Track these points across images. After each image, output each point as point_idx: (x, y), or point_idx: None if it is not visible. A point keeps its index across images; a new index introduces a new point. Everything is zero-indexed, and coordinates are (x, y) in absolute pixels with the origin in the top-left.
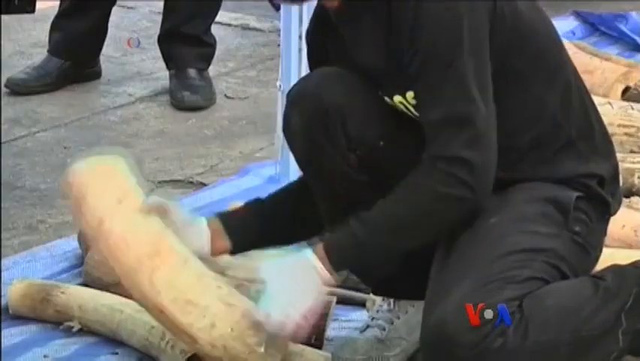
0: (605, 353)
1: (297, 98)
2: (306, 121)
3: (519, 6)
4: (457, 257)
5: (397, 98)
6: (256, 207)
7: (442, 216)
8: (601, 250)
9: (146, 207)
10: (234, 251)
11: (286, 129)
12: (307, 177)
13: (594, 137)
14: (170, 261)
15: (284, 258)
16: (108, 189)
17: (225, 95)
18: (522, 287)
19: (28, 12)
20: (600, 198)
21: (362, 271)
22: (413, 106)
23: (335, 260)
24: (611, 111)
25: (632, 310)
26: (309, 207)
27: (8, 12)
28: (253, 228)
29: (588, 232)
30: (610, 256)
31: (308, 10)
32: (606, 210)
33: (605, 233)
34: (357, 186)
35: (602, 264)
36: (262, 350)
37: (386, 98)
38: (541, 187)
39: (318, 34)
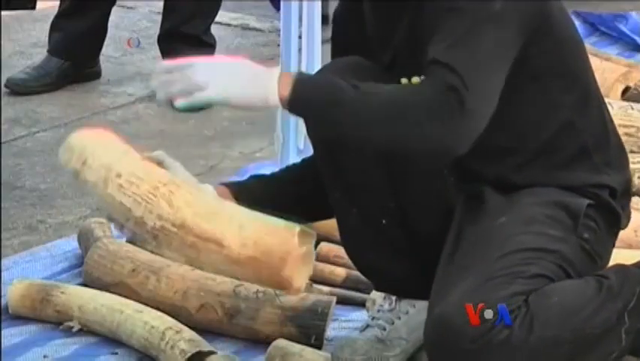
0: (606, 352)
1: None
2: None
3: (551, 6)
4: (463, 254)
5: (404, 82)
6: (265, 181)
7: (408, 121)
8: (607, 261)
9: (149, 158)
10: None
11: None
12: (320, 159)
13: (609, 148)
14: (186, 186)
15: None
16: (110, 146)
17: None
18: (529, 283)
19: (28, 8)
20: (610, 209)
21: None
22: None
23: (299, 85)
24: (611, 111)
25: (635, 310)
26: (313, 191)
27: (9, 7)
28: (260, 198)
29: (596, 240)
30: (611, 257)
31: (308, 10)
32: (616, 222)
33: (613, 245)
34: (372, 178)
35: None
36: (298, 228)
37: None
38: (552, 192)
39: (345, 12)
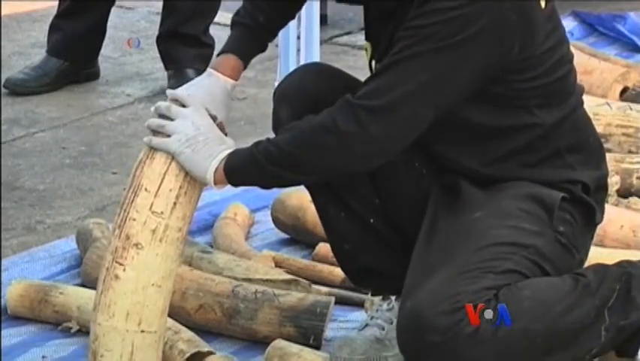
0: (585, 348)
1: (284, 93)
2: (296, 113)
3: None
4: (437, 249)
5: (366, 44)
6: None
7: (320, 146)
8: (587, 254)
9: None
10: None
11: (277, 126)
12: None
13: (584, 149)
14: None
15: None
16: None
17: None
18: (500, 278)
19: None
20: (584, 203)
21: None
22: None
23: (229, 161)
24: (610, 112)
25: (615, 307)
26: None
27: None
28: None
29: (573, 233)
30: (609, 256)
31: (306, 10)
32: (592, 216)
33: (591, 238)
34: (355, 177)
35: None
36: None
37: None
38: (526, 185)
39: None
